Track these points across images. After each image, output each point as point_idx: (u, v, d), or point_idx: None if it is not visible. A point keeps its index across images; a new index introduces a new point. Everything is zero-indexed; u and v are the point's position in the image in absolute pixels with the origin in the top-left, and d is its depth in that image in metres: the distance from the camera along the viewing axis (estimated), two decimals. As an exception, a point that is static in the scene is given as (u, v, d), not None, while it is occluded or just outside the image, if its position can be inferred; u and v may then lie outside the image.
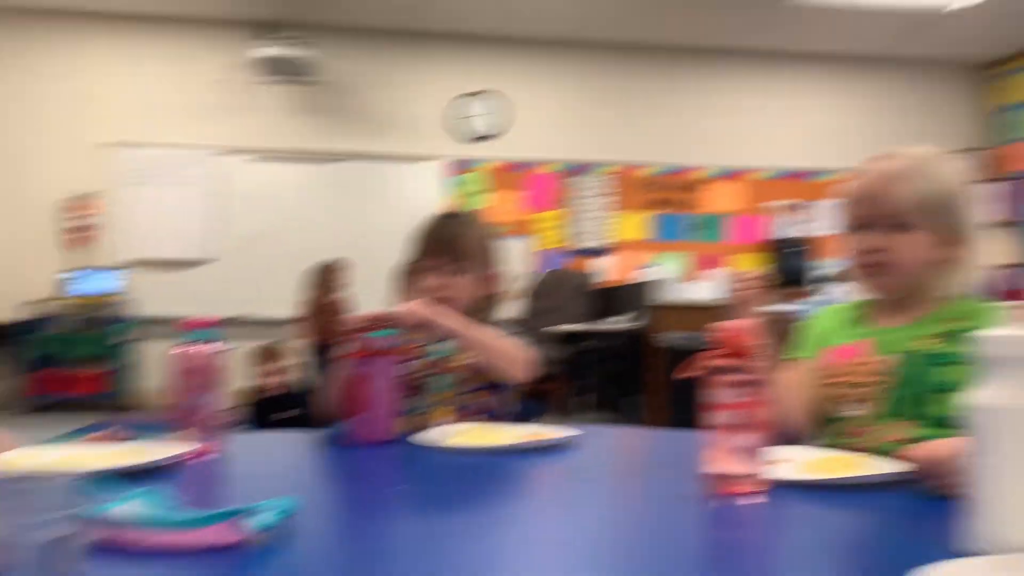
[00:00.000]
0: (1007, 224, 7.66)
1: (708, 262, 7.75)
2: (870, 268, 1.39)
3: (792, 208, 7.95)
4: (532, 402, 1.77)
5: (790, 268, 7.67)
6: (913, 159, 1.38)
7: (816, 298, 7.35)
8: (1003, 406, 0.75)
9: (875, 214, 1.36)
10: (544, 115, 7.80)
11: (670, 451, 1.47)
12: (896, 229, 1.35)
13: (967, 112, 8.20)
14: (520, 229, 7.64)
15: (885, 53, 7.87)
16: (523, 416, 1.70)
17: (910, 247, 1.35)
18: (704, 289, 6.65)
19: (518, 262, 7.46)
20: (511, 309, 6.81)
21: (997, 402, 0.76)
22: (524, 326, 6.20)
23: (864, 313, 1.46)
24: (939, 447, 1.05)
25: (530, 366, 1.67)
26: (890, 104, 8.01)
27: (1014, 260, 7.63)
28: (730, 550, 0.85)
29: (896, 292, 1.40)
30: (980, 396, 0.78)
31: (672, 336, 5.55)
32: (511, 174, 7.75)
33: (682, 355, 1.09)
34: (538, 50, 7.76)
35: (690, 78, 7.97)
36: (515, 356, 1.66)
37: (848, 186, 1.42)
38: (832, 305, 1.56)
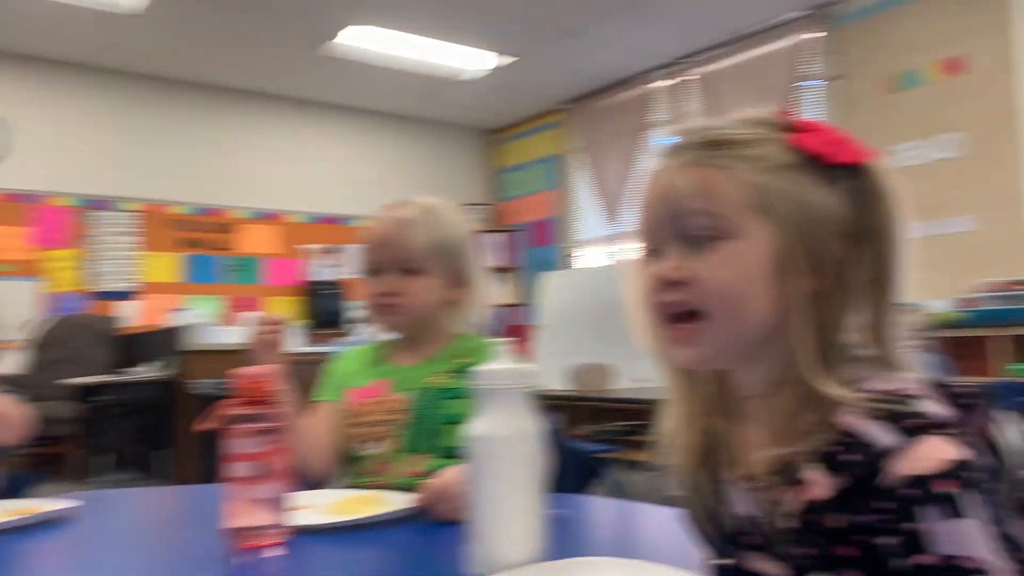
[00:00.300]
0: (506, 269, 8.77)
1: (244, 305, 7.59)
2: (384, 309, 1.46)
3: (326, 251, 8.17)
4: (23, 473, 1.54)
5: (325, 310, 7.86)
6: (424, 208, 1.49)
7: (350, 338, 7.62)
8: (493, 435, 0.84)
9: (388, 258, 1.45)
10: (56, 143, 6.97)
11: (194, 508, 1.39)
12: (408, 273, 1.44)
13: (477, 171, 9.25)
14: (27, 269, 6.71)
15: (409, 112, 8.55)
16: (11, 490, 1.47)
17: (421, 289, 1.45)
18: (240, 333, 6.49)
19: (24, 306, 6.53)
20: (7, 362, 5.92)
21: (489, 431, 0.84)
22: (26, 380, 5.43)
23: (382, 354, 1.54)
24: (442, 477, 1.15)
25: (24, 428, 1.45)
26: (413, 159, 8.69)
27: (512, 301, 8.75)
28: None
29: (408, 330, 1.49)
30: (475, 426, 0.86)
31: (207, 384, 5.31)
32: (14, 205, 6.79)
33: (211, 403, 1.04)
34: (48, 71, 6.95)
35: (226, 118, 7.79)
36: (5, 417, 1.44)
37: (365, 232, 1.50)
38: (353, 347, 1.61)
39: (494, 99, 8.05)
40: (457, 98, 7.97)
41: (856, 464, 0.65)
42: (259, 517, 1.00)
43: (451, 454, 1.34)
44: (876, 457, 0.64)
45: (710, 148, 0.76)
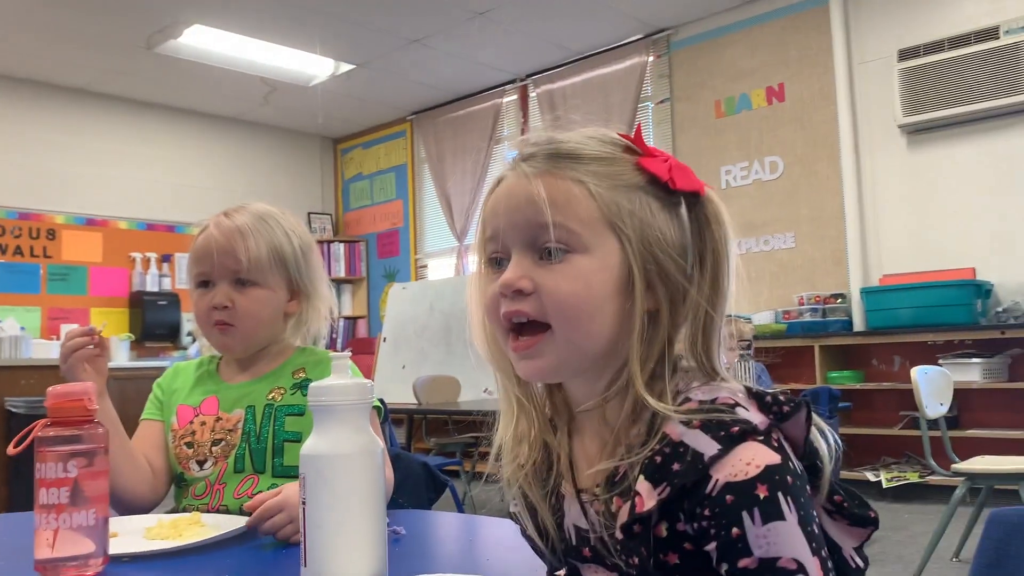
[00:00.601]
0: (350, 281, 8.64)
1: (68, 316, 7.06)
2: (216, 326, 1.37)
3: (156, 260, 7.75)
4: None
5: (156, 322, 7.45)
6: (257, 215, 1.39)
7: (183, 353, 7.26)
8: (329, 453, 0.81)
9: (220, 268, 1.35)
10: None
11: (2, 539, 1.26)
12: (241, 284, 1.35)
13: (320, 179, 9.05)
14: None
15: (249, 116, 8.25)
16: None
17: (255, 302, 1.36)
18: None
19: None
20: None
21: (325, 449, 0.81)
22: None
23: (212, 370, 1.46)
24: (271, 496, 1.10)
25: None
26: (253, 165, 8.40)
27: (356, 313, 8.62)
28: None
29: (244, 349, 1.41)
30: (311, 444, 0.82)
31: (21, 401, 4.90)
32: None
33: (28, 423, 0.95)
34: None
35: (47, 117, 7.24)
36: None
37: (194, 240, 1.40)
38: (186, 361, 1.52)
39: (338, 106, 7.92)
40: (300, 104, 7.78)
41: (680, 473, 0.67)
42: (73, 547, 0.92)
43: (287, 473, 1.29)
44: (701, 465, 0.66)
45: (563, 159, 0.76)
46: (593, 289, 0.73)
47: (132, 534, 1.11)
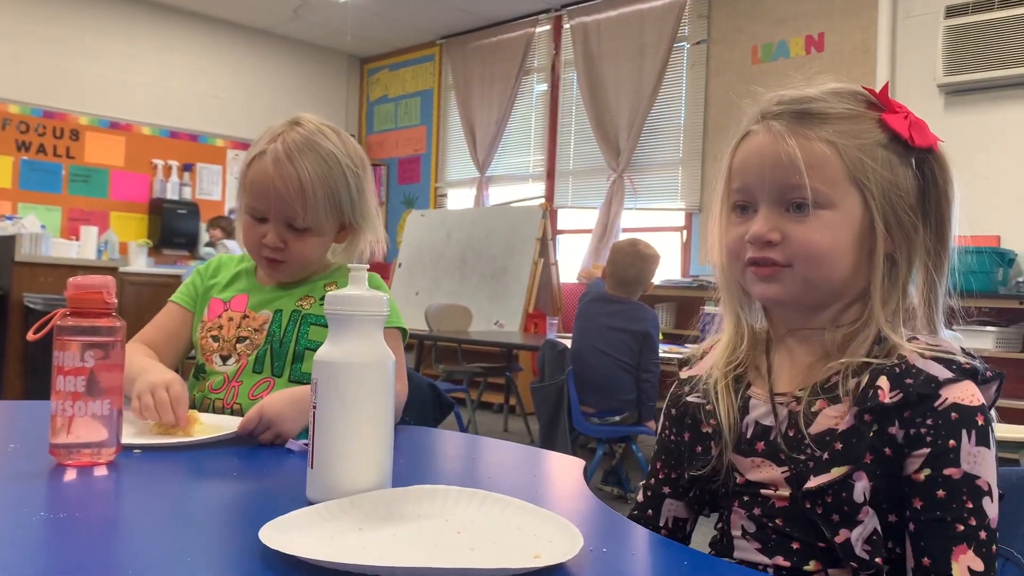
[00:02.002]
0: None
1: (88, 218, 7.12)
2: (266, 261, 1.37)
3: (180, 169, 7.75)
4: None
5: (174, 230, 7.49)
6: (319, 158, 1.32)
7: (200, 262, 7.31)
8: (336, 359, 0.82)
9: (278, 212, 1.32)
10: None
11: (21, 423, 1.29)
12: (295, 229, 1.34)
13: (345, 99, 8.98)
14: None
15: (277, 29, 8.16)
16: None
17: (308, 246, 1.36)
18: (81, 246, 6.11)
19: None
20: None
21: (332, 356, 0.82)
22: None
23: (251, 268, 1.46)
24: (270, 400, 1.13)
25: None
26: (278, 79, 8.33)
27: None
28: (79, 524, 0.78)
29: (290, 279, 1.42)
30: (322, 350, 0.84)
31: (39, 298, 4.98)
32: None
33: (49, 314, 0.97)
34: None
35: (74, 18, 7.17)
36: None
37: (256, 172, 1.33)
38: (227, 255, 1.53)
39: (368, 25, 7.80)
40: (330, 20, 7.67)
41: (914, 385, 0.78)
42: (87, 433, 0.94)
43: (306, 380, 1.31)
44: (934, 384, 0.78)
45: (812, 118, 0.84)
46: (838, 240, 0.83)
47: (142, 427, 1.14)
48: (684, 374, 1.00)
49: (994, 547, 0.75)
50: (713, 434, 0.92)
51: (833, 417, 0.82)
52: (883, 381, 0.80)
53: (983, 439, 0.77)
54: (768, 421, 0.88)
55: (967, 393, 0.78)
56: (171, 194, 7.63)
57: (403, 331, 1.38)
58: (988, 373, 0.81)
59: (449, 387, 4.89)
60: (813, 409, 0.84)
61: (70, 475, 0.92)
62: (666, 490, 0.99)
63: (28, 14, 6.93)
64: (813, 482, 0.81)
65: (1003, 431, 3.32)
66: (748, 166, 0.87)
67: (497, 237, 6.68)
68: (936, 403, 0.78)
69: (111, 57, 7.36)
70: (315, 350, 1.32)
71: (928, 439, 0.77)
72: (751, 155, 0.87)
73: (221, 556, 0.68)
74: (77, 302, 0.95)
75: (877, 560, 0.79)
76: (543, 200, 7.09)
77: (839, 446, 0.80)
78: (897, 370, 0.80)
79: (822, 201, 0.83)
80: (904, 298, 0.86)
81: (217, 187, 7.96)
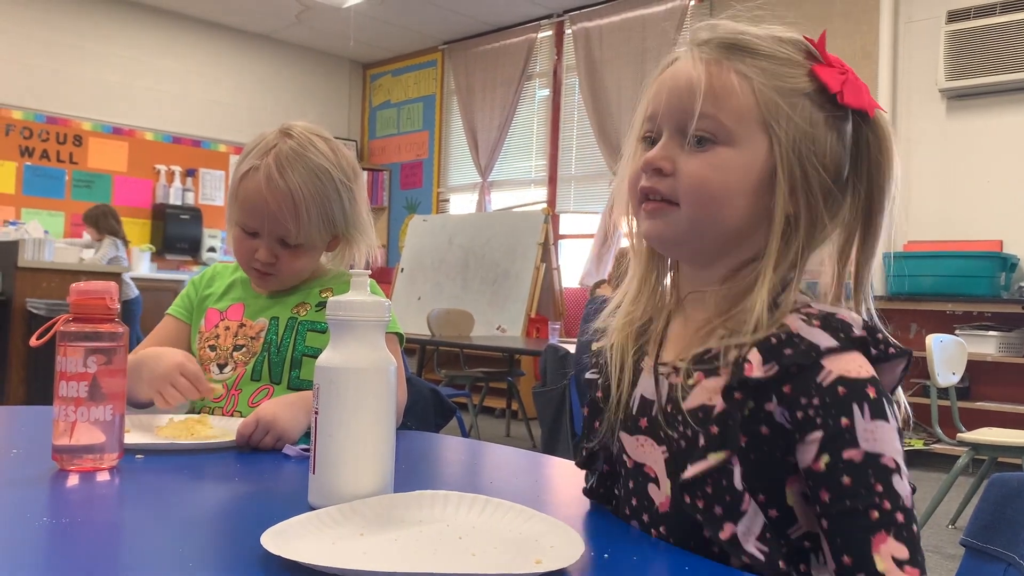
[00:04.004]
0: (372, 210, 8.65)
1: (89, 224, 7.13)
2: (260, 274, 1.37)
3: (183, 174, 7.77)
4: None
5: (177, 235, 7.50)
6: (311, 173, 1.31)
7: (203, 267, 7.32)
8: (338, 365, 0.82)
9: (270, 228, 1.32)
10: None
11: (24, 428, 1.29)
12: (287, 245, 1.33)
13: (347, 104, 8.99)
14: None
15: (280, 35, 8.18)
16: None
17: (299, 261, 1.36)
18: (83, 251, 6.12)
19: None
20: None
21: (334, 361, 0.83)
22: None
23: (244, 276, 1.46)
24: (266, 406, 1.13)
25: None
26: (280, 85, 8.35)
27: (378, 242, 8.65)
28: (81, 529, 0.78)
29: (281, 288, 1.41)
30: (323, 356, 0.84)
31: (42, 303, 4.98)
32: None
33: (52, 320, 0.97)
34: None
35: (78, 24, 7.20)
36: None
37: (247, 186, 1.31)
38: (221, 264, 1.52)
39: (370, 31, 7.82)
40: (332, 25, 7.69)
41: (792, 356, 0.70)
42: (90, 439, 0.95)
43: (305, 388, 1.31)
44: (815, 352, 0.70)
45: (736, 50, 0.77)
46: (729, 181, 0.75)
47: (144, 431, 1.14)
48: (595, 346, 0.91)
49: (914, 527, 0.67)
50: (602, 406, 0.86)
51: (708, 390, 0.74)
52: (753, 354, 0.72)
53: (878, 412, 0.68)
54: (651, 394, 0.81)
55: (854, 364, 0.70)
56: (174, 199, 7.64)
57: (400, 336, 1.38)
58: (891, 350, 0.72)
59: (451, 392, 4.89)
60: (690, 381, 0.76)
61: (72, 480, 0.92)
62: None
63: (31, 20, 6.95)
64: (690, 471, 0.72)
65: (1006, 436, 3.31)
66: (659, 91, 0.80)
67: (499, 242, 6.68)
68: (819, 377, 0.69)
69: (114, 63, 7.38)
70: (312, 356, 1.34)
71: (818, 420, 0.69)
72: (664, 80, 0.80)
73: (222, 561, 0.68)
74: (80, 308, 0.96)
75: (780, 564, 0.70)
76: (545, 205, 7.09)
77: (715, 429, 0.72)
78: (774, 340, 0.71)
79: (722, 136, 0.75)
80: (801, 264, 0.76)
81: (220, 192, 7.98)
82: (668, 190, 0.77)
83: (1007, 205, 4.90)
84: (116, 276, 5.39)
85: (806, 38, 0.80)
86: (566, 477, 1.08)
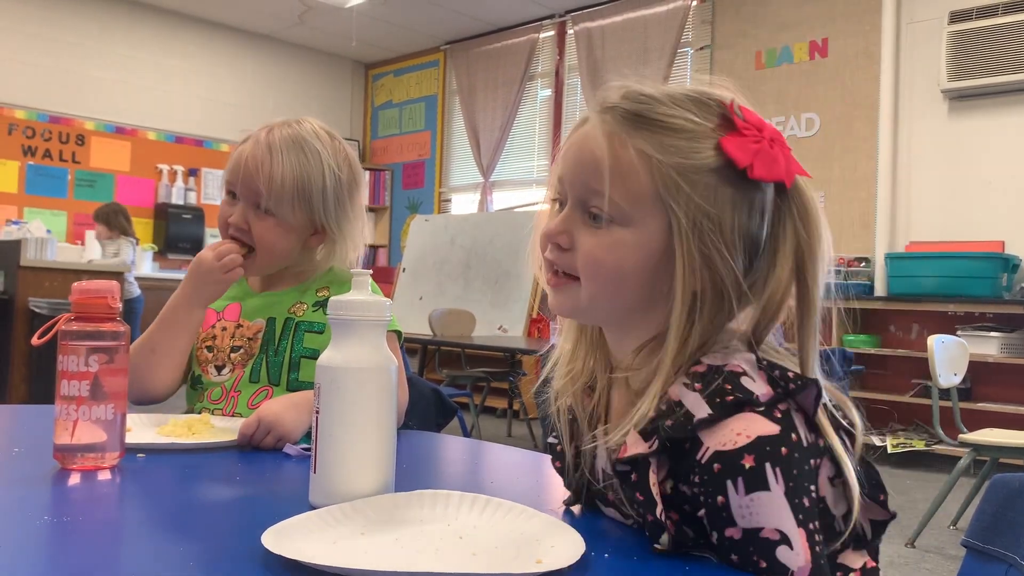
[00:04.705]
0: (372, 210, 8.64)
1: (93, 222, 7.13)
2: (232, 241, 1.35)
3: (185, 174, 7.77)
4: None
5: (179, 234, 7.51)
6: (296, 142, 1.32)
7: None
8: (339, 364, 0.82)
9: (244, 188, 1.33)
10: None
11: (26, 427, 1.30)
12: (259, 210, 1.32)
13: (349, 104, 9.00)
14: None
15: (282, 35, 8.18)
16: None
17: (269, 232, 1.33)
18: (86, 251, 6.12)
19: None
20: None
21: (335, 361, 0.83)
22: None
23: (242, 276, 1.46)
24: (268, 405, 1.13)
25: None
26: (282, 85, 8.36)
27: (377, 242, 8.65)
28: (82, 528, 0.78)
29: (254, 269, 1.38)
30: (324, 355, 0.84)
31: (44, 302, 4.99)
32: None
33: (55, 319, 0.97)
34: None
35: (81, 23, 7.21)
36: None
37: (235, 148, 1.36)
38: None
39: (373, 31, 7.82)
40: (334, 25, 7.70)
41: (670, 428, 0.68)
42: (91, 438, 0.95)
43: (303, 389, 1.31)
44: (690, 425, 0.67)
45: (641, 122, 0.74)
46: (624, 262, 0.74)
47: (145, 430, 1.14)
48: (550, 410, 0.87)
49: None
50: (566, 475, 0.85)
51: (618, 474, 0.74)
52: (631, 435, 0.71)
53: (756, 483, 0.65)
54: (609, 469, 0.78)
55: (730, 434, 0.66)
56: (176, 199, 7.65)
57: (399, 334, 1.37)
58: (792, 386, 0.69)
59: (452, 392, 4.89)
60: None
61: (74, 479, 0.92)
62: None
63: (34, 19, 6.96)
64: (658, 547, 0.71)
65: (1007, 437, 3.31)
66: (566, 157, 0.78)
67: (501, 242, 6.68)
68: (699, 454, 0.67)
69: (117, 62, 7.39)
70: (311, 357, 1.34)
71: (701, 499, 0.67)
72: (572, 147, 0.77)
73: (223, 561, 0.68)
74: (81, 307, 0.96)
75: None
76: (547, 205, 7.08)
77: (650, 517, 0.71)
78: (652, 414, 0.70)
79: (618, 217, 0.73)
80: (711, 339, 0.73)
81: (222, 192, 7.98)
82: (567, 265, 0.77)
83: (1009, 206, 4.89)
84: (118, 275, 5.39)
85: (721, 101, 0.75)
86: (567, 477, 1.08)
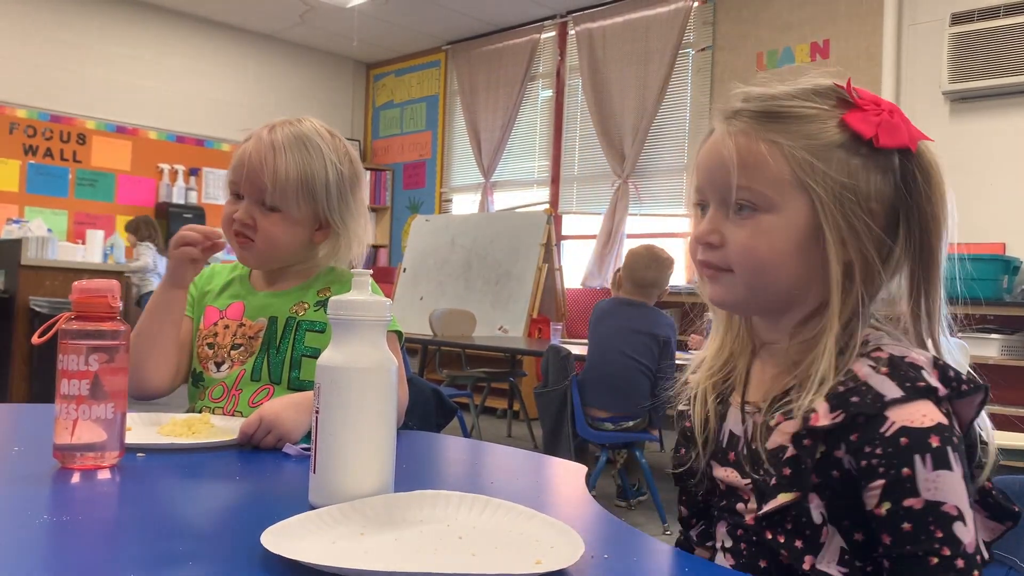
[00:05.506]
0: (374, 209, 8.64)
1: (94, 222, 7.14)
2: (237, 238, 1.36)
3: (186, 173, 7.78)
4: None
5: (181, 234, 7.51)
6: (299, 138, 1.34)
7: (207, 266, 7.33)
8: (340, 364, 0.82)
9: (249, 185, 1.34)
10: None
11: (26, 426, 1.30)
12: (264, 206, 1.34)
13: (350, 104, 9.00)
14: None
15: (283, 34, 8.18)
16: None
17: (274, 227, 1.34)
18: (86, 250, 6.12)
19: None
20: None
21: (335, 361, 0.83)
22: None
23: (244, 275, 1.46)
24: (269, 405, 1.13)
25: None
26: (283, 84, 8.36)
27: (378, 242, 8.65)
28: (81, 527, 0.78)
29: (259, 265, 1.41)
30: (325, 355, 0.84)
31: (44, 301, 4.99)
32: None
33: (55, 318, 0.97)
34: None
35: (82, 22, 7.21)
36: None
37: (238, 147, 1.37)
38: (219, 264, 1.52)
39: (374, 31, 7.82)
40: (336, 25, 7.70)
41: (858, 404, 0.73)
42: (91, 437, 0.95)
43: (304, 388, 1.31)
44: (880, 404, 0.73)
45: (765, 118, 0.80)
46: (775, 245, 0.79)
47: (146, 429, 1.14)
48: (680, 383, 0.97)
49: (975, 572, 0.70)
50: (692, 437, 0.91)
51: (785, 434, 0.78)
52: (820, 403, 0.75)
53: (941, 462, 0.70)
54: (739, 431, 0.86)
55: (917, 414, 0.72)
56: (177, 198, 7.65)
57: (399, 334, 1.38)
58: (964, 387, 0.75)
59: (453, 392, 4.89)
60: (772, 423, 0.80)
61: (73, 478, 0.92)
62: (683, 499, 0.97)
63: (36, 18, 6.96)
64: (765, 508, 0.78)
65: (1007, 439, 3.31)
66: (701, 165, 0.84)
67: (501, 242, 6.68)
68: (883, 428, 0.72)
69: (118, 61, 7.39)
70: (312, 357, 1.34)
71: (880, 470, 0.72)
72: (704, 154, 0.84)
73: (223, 560, 0.68)
74: (82, 306, 0.96)
75: None
76: (547, 205, 7.08)
77: (787, 471, 0.77)
78: (841, 388, 0.75)
79: (762, 204, 0.79)
80: (864, 307, 0.79)
81: (223, 192, 7.97)
82: (721, 260, 0.82)
83: (1010, 208, 4.89)
84: (118, 274, 5.39)
85: (837, 84, 0.82)
86: (567, 478, 1.08)
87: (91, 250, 6.20)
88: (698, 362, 0.94)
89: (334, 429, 0.82)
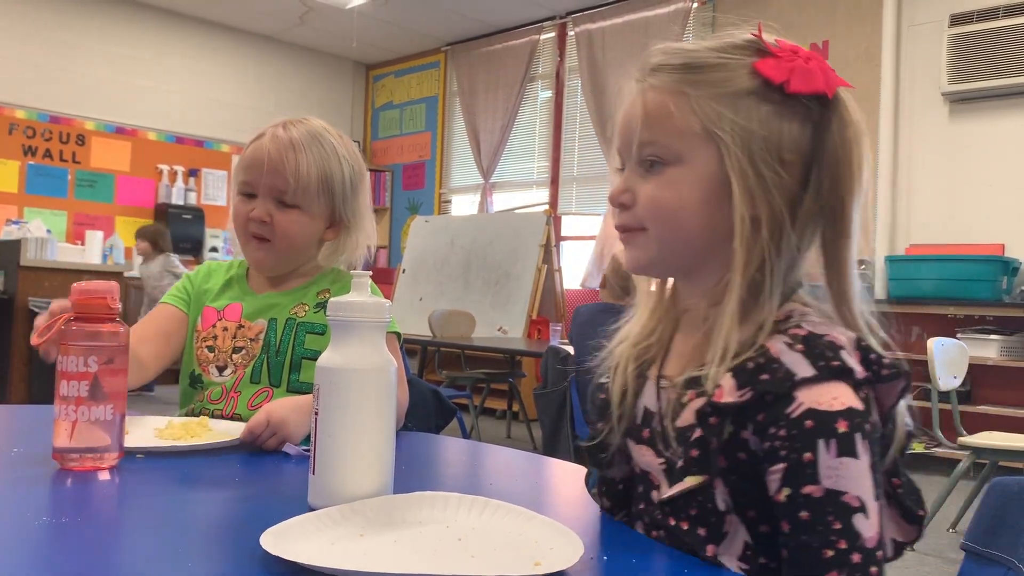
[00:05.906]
0: (373, 209, 8.64)
1: (94, 223, 7.13)
2: (254, 238, 1.36)
3: (185, 174, 7.77)
4: None
5: (179, 235, 7.50)
6: (313, 134, 1.35)
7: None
8: (339, 366, 0.82)
9: (265, 184, 1.33)
10: None
11: (25, 428, 1.29)
12: (283, 204, 1.34)
13: (350, 105, 9.00)
14: None
15: (282, 36, 8.18)
16: None
17: (293, 224, 1.34)
18: (86, 251, 6.12)
19: None
20: None
21: (335, 362, 0.83)
22: None
23: (242, 275, 1.46)
24: (276, 406, 1.13)
25: None
26: (282, 85, 8.35)
27: (379, 243, 8.65)
28: (81, 529, 0.78)
29: (274, 267, 1.40)
30: (324, 356, 0.84)
31: (44, 302, 4.99)
32: None
33: (55, 319, 0.97)
34: None
35: (81, 23, 7.21)
36: None
37: (247, 148, 1.36)
38: (215, 262, 1.51)
39: (373, 32, 7.82)
40: (335, 26, 7.70)
41: (766, 382, 0.69)
42: (90, 439, 0.95)
43: (304, 390, 1.31)
44: (789, 382, 0.68)
45: (681, 71, 0.77)
46: (683, 196, 0.76)
47: (144, 433, 1.14)
48: (603, 355, 0.91)
49: (873, 568, 0.65)
50: (607, 412, 0.86)
51: (694, 412, 0.73)
52: (727, 378, 0.71)
53: (847, 448, 0.66)
54: (654, 406, 0.81)
55: (827, 396, 0.67)
56: (176, 199, 7.65)
57: (398, 335, 1.37)
58: (884, 371, 0.70)
59: (452, 393, 4.89)
60: (683, 400, 0.75)
61: (73, 480, 0.92)
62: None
63: (35, 18, 6.96)
64: (669, 491, 0.73)
65: (1007, 440, 3.31)
66: (617, 124, 0.82)
67: (501, 243, 6.68)
68: (789, 408, 0.67)
69: (118, 62, 7.39)
70: (312, 359, 1.34)
71: (783, 453, 0.67)
72: (619, 113, 0.81)
73: (222, 562, 0.68)
74: (81, 307, 0.96)
75: None
76: (547, 206, 7.08)
77: (694, 452, 0.72)
78: (751, 365, 0.70)
79: (669, 157, 0.76)
80: (773, 271, 0.74)
81: (222, 192, 7.98)
82: (633, 220, 0.79)
83: (1009, 208, 4.89)
84: (118, 275, 5.39)
85: (752, 34, 0.79)
86: (566, 479, 1.08)
87: (90, 251, 6.19)
88: (624, 334, 0.89)
89: (333, 430, 0.82)
